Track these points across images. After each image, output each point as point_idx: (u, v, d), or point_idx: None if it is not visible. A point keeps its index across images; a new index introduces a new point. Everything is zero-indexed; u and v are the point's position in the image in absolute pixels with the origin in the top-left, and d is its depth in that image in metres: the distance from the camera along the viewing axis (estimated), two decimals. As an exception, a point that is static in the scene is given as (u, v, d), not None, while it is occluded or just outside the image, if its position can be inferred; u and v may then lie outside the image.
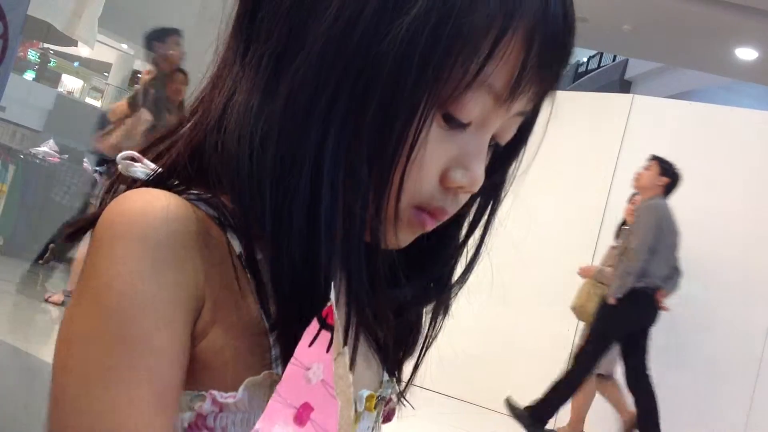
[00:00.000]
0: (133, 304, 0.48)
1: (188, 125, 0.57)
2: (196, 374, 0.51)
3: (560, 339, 5.43)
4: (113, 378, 0.47)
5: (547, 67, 0.55)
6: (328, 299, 0.50)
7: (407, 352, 0.66)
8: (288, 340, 0.50)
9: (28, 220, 6.99)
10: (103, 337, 0.48)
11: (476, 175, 0.55)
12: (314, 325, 0.48)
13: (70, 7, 4.06)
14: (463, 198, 0.58)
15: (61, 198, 7.27)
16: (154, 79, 4.98)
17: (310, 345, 0.48)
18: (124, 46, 14.26)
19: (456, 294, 0.65)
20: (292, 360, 0.47)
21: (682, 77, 10.28)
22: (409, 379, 0.67)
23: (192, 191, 0.55)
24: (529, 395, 4.97)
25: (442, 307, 0.65)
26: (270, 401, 0.46)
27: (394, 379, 0.66)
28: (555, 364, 5.23)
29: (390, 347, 0.64)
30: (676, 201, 5.27)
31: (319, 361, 0.48)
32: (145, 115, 4.84)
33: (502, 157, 0.61)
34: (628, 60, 12.13)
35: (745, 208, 5.26)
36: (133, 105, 4.90)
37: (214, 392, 0.50)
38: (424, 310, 0.65)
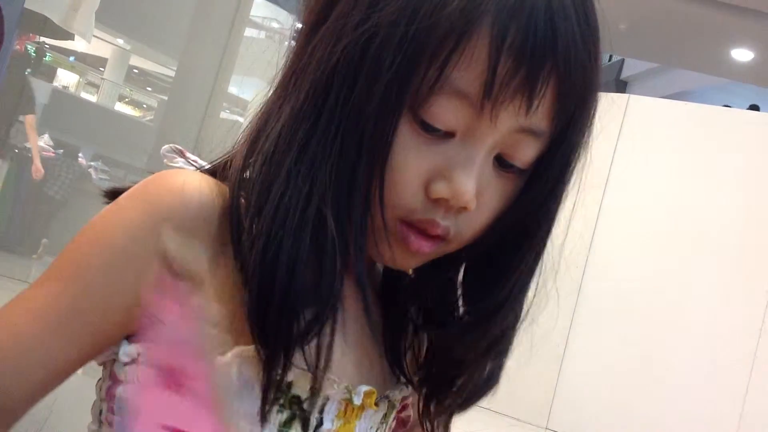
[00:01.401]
0: (97, 242, 0.53)
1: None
2: None
3: (552, 341, 5.44)
4: (39, 286, 0.53)
5: (530, 76, 0.51)
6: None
7: (435, 379, 0.64)
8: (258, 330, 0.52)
9: (22, 215, 6.97)
10: (62, 256, 0.54)
11: (459, 186, 0.53)
12: None
13: (67, 0, 4.05)
14: (465, 217, 0.55)
15: (56, 193, 7.24)
16: None
17: None
18: (120, 41, 14.21)
19: (508, 337, 0.62)
20: None
21: (677, 78, 10.29)
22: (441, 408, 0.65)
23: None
24: (524, 393, 4.98)
25: (493, 346, 0.61)
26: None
27: (410, 387, 0.65)
28: (549, 362, 5.25)
29: (403, 354, 0.64)
30: (671, 201, 5.29)
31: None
32: None
33: (540, 186, 0.58)
34: (623, 60, 12.12)
35: (740, 208, 5.27)
36: None
37: None
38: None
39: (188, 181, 0.54)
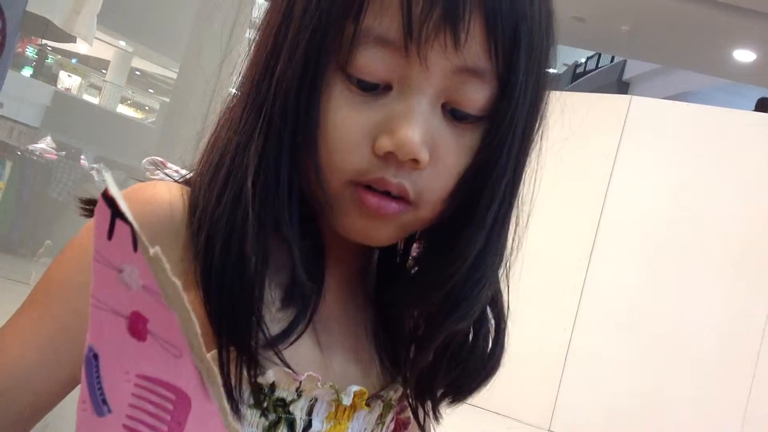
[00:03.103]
0: (79, 260, 0.53)
1: None
2: None
3: (554, 343, 5.44)
4: (24, 308, 0.54)
5: (449, 9, 0.50)
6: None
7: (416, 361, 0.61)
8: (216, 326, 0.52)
9: (24, 217, 6.98)
10: (45, 277, 0.55)
11: (401, 138, 0.51)
12: (103, 208, 0.38)
13: (70, 3, 4.06)
14: (424, 175, 0.53)
15: (58, 194, 7.26)
16: None
17: (110, 238, 0.38)
18: (122, 43, 14.24)
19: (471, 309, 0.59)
20: (94, 255, 0.39)
21: (680, 79, 10.28)
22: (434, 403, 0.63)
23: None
24: (527, 395, 4.98)
25: (461, 308, 0.58)
26: (90, 308, 0.40)
27: (407, 389, 0.63)
28: (552, 364, 5.24)
29: (391, 349, 0.63)
30: (673, 202, 5.29)
31: (129, 262, 0.38)
32: None
33: (493, 133, 0.54)
34: (626, 61, 12.13)
35: (742, 210, 5.27)
36: None
37: None
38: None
39: (158, 192, 0.54)
